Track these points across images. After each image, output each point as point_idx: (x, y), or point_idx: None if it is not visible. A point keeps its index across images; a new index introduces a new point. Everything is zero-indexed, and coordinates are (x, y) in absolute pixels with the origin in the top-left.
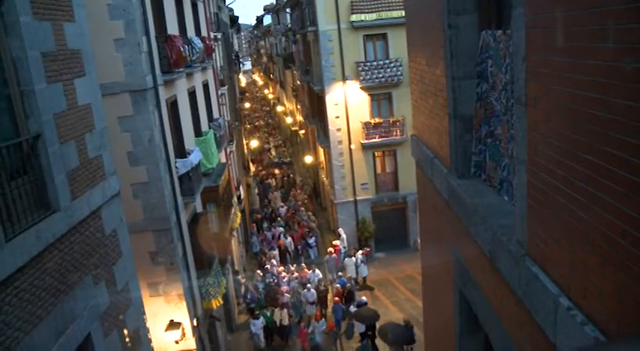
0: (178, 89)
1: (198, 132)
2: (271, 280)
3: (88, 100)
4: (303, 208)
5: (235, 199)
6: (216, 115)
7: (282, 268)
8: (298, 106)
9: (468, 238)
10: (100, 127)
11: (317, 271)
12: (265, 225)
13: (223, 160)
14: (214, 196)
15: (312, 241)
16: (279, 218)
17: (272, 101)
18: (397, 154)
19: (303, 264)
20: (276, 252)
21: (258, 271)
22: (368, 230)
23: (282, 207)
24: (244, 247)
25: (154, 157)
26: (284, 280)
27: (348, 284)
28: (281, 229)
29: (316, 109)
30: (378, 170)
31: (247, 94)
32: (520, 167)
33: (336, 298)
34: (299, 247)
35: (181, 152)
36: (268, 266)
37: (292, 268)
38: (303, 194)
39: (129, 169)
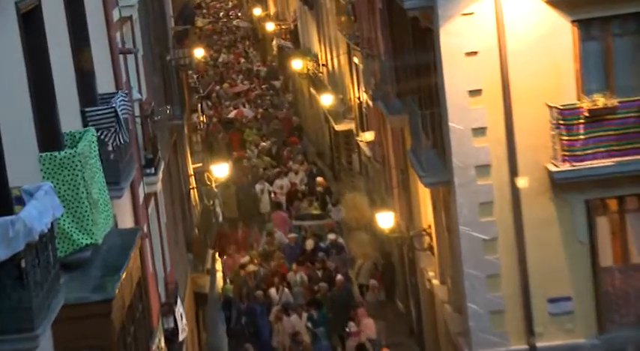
0: None
1: (50, 136)
2: None
3: None
4: None
5: (160, 342)
6: (106, 85)
7: None
8: (355, 59)
9: None
10: None
11: None
12: None
13: (127, 221)
14: (97, 336)
15: None
16: None
17: (274, 40)
18: None
19: None
20: None
21: None
22: None
23: None
24: None
25: None
26: None
27: None
28: None
29: (413, 70)
30: (606, 260)
31: (199, 23)
32: None
33: None
34: None
35: None
36: None
37: None
38: None
39: None
